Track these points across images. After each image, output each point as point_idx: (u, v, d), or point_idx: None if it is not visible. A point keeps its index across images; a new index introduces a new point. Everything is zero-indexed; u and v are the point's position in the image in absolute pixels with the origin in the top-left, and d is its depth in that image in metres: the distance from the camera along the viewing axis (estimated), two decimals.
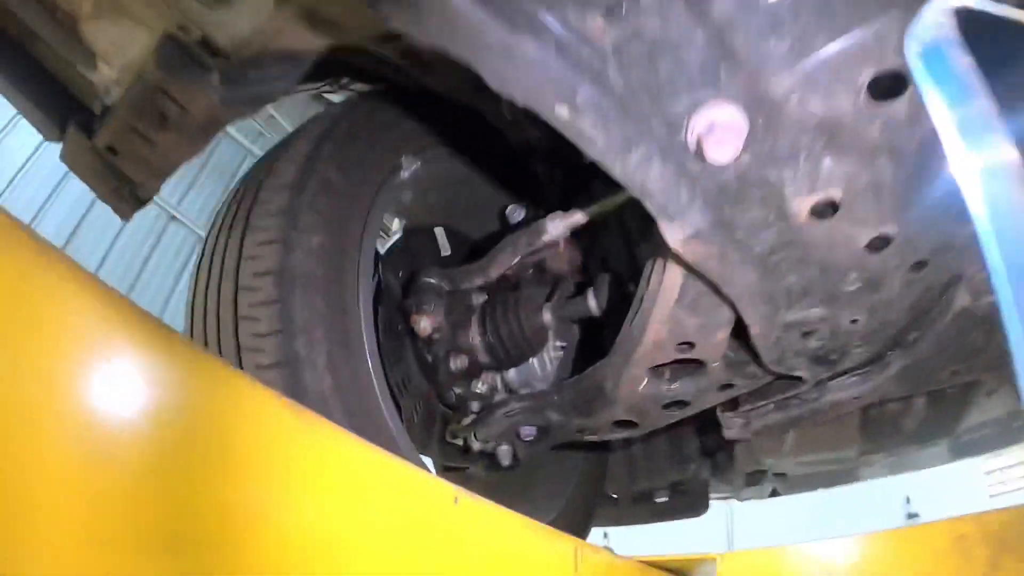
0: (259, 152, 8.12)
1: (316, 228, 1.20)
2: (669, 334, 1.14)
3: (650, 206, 0.88)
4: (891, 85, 0.76)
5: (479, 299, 1.57)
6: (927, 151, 0.84)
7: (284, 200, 1.20)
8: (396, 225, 1.66)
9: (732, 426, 1.35)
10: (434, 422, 1.51)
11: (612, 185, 0.86)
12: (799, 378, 1.22)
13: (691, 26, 0.73)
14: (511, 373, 1.60)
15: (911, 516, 7.68)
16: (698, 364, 1.23)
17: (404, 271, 1.51)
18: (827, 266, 0.98)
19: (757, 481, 1.79)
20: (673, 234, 0.90)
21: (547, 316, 1.50)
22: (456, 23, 0.73)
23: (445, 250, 1.64)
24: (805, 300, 1.05)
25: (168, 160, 1.14)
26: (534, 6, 0.73)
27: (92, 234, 8.09)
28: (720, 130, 0.79)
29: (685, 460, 1.80)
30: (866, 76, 0.75)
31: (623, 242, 1.46)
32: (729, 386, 1.26)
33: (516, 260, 1.42)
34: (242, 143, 9.08)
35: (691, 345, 1.16)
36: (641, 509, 1.86)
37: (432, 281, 1.46)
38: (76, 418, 0.51)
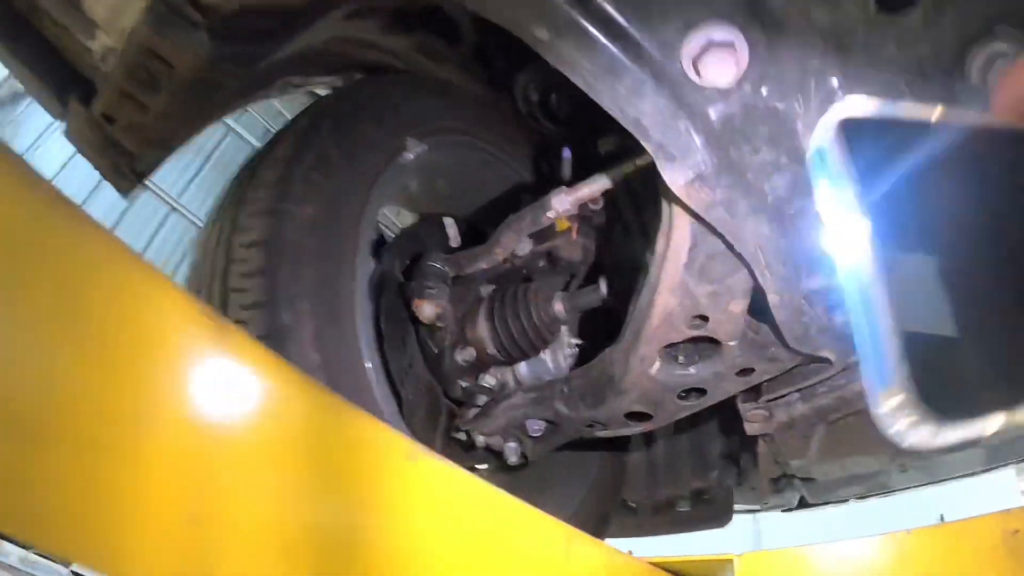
0: None
1: (310, 200, 1.17)
2: (680, 306, 1.05)
3: (648, 145, 0.81)
4: None
5: (487, 289, 1.50)
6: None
7: (278, 172, 1.17)
8: (403, 216, 1.62)
9: (754, 419, 1.24)
10: (438, 416, 1.43)
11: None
12: (826, 360, 1.12)
13: None
14: (522, 369, 1.52)
15: None
16: (714, 344, 1.13)
17: (409, 257, 1.46)
18: None
19: (783, 488, 1.65)
20: (674, 177, 0.83)
21: (559, 306, 1.42)
22: None
23: (455, 241, 1.59)
24: (828, 262, 0.96)
25: (162, 128, 1.13)
26: None
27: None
28: (717, 49, 0.73)
29: (708, 466, 1.68)
30: None
31: (636, 224, 1.39)
32: (749, 371, 1.16)
33: (522, 240, 1.35)
34: (249, 140, 8.93)
35: (704, 319, 1.07)
36: (661, 519, 1.74)
37: (436, 265, 1.40)
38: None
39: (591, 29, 0.72)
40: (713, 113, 0.77)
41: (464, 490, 0.92)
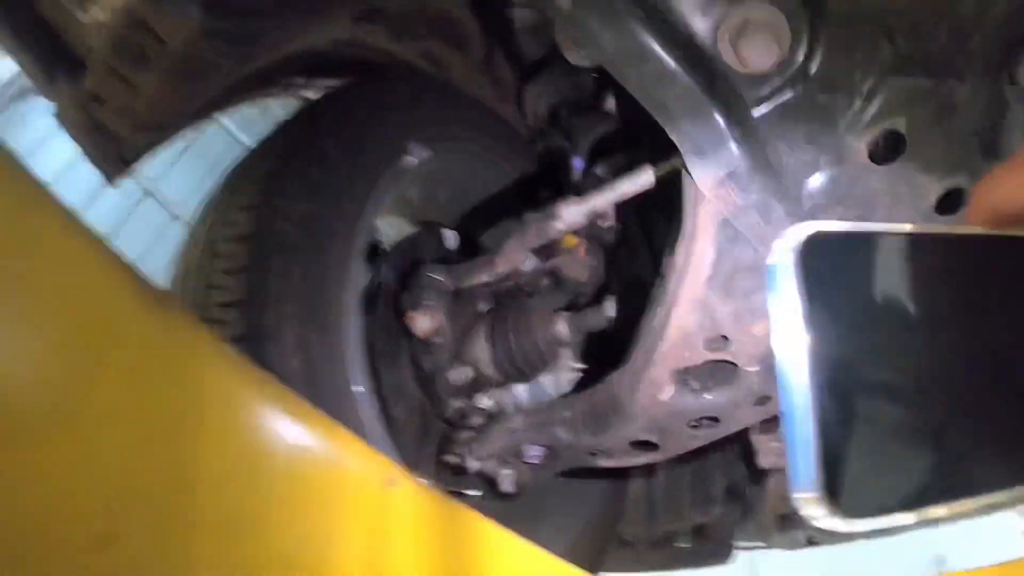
0: None
1: (303, 197, 1.09)
2: (698, 324, 0.97)
3: (675, 136, 0.74)
4: None
5: (486, 306, 1.42)
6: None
7: (271, 165, 1.10)
8: (403, 226, 1.54)
9: (768, 452, 1.15)
10: (428, 437, 1.33)
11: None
12: None
13: None
14: (522, 392, 1.43)
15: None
16: (731, 368, 1.05)
17: (407, 267, 1.38)
18: None
19: (791, 526, 1.55)
20: (704, 174, 0.76)
21: (562, 326, 1.34)
22: None
23: (455, 253, 1.51)
24: None
25: (151, 111, 1.06)
26: None
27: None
28: (755, 29, 0.66)
29: (711, 500, 1.58)
30: None
31: (643, 243, 1.32)
32: (767, 399, 1.07)
33: (526, 255, 1.27)
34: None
35: (725, 340, 0.99)
36: (659, 555, 1.63)
37: (435, 277, 1.32)
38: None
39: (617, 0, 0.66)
40: (749, 102, 0.70)
41: (450, 521, 0.84)
